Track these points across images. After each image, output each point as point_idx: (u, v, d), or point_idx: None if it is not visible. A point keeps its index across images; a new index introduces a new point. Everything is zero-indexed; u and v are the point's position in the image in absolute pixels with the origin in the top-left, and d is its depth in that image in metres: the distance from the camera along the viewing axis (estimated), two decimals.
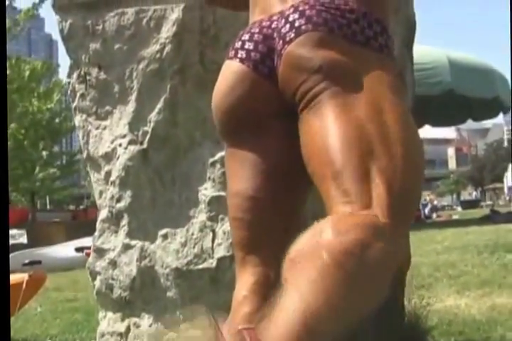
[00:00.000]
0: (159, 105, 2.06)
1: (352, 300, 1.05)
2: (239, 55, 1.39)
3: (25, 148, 21.05)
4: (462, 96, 11.32)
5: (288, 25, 1.31)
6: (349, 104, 1.24)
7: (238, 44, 1.41)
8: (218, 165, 1.99)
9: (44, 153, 22.30)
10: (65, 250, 11.52)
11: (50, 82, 22.53)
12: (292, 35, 1.30)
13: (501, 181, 53.19)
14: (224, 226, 1.98)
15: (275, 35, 1.35)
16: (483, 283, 4.36)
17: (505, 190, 49.85)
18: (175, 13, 2.01)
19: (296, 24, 1.30)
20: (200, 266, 2.01)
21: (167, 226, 2.07)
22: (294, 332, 1.01)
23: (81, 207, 36.02)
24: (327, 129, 1.24)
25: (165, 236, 2.07)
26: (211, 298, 1.98)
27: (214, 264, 1.99)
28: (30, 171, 21.82)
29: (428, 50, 11.04)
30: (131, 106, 2.11)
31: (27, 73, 20.06)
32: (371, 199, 1.16)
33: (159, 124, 2.07)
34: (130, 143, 2.11)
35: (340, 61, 1.26)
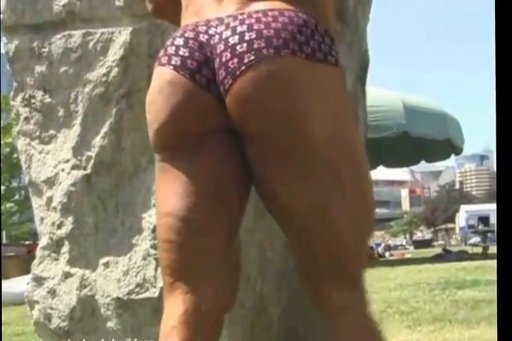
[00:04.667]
0: (104, 129, 2.01)
1: None
2: (173, 62, 1.32)
3: None
4: (416, 138, 11.65)
5: (237, 37, 1.26)
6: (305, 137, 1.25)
7: (172, 49, 1.33)
8: None
9: (2, 187, 21.87)
10: (18, 284, 11.17)
11: (9, 117, 22.21)
12: (252, 57, 1.24)
13: (453, 222, 54.03)
14: None
15: (213, 42, 1.30)
16: (434, 318, 4.36)
17: (457, 230, 50.57)
18: (122, 36, 1.98)
19: (255, 46, 1.24)
20: (142, 296, 1.94)
21: (109, 254, 2.00)
22: None
23: (37, 241, 35.22)
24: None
25: (106, 265, 2.00)
26: (153, 329, 1.91)
27: (156, 294, 1.92)
28: None
29: (383, 93, 11.31)
30: (75, 131, 2.06)
31: None
32: None
33: (104, 149, 2.02)
34: (73, 168, 2.05)
35: (302, 100, 1.25)
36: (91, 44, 2.02)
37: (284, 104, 1.24)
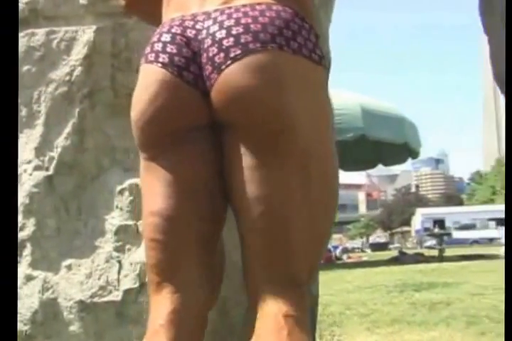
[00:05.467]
0: (67, 130, 1.98)
1: None
2: (160, 60, 1.30)
3: None
4: (373, 141, 11.68)
5: (224, 32, 1.25)
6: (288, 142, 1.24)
7: (158, 46, 1.32)
8: (126, 193, 1.92)
9: None
10: None
11: None
12: (238, 51, 1.23)
13: (409, 225, 54.82)
14: (131, 257, 1.90)
15: (200, 37, 1.28)
16: (392, 320, 4.40)
17: (413, 233, 51.29)
18: (86, 35, 1.95)
19: (242, 40, 1.23)
20: (105, 299, 1.91)
21: (71, 256, 1.97)
22: None
23: None
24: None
25: (69, 267, 1.97)
26: (116, 333, 1.89)
27: (120, 297, 1.90)
28: None
29: (340, 95, 11.30)
30: (38, 131, 2.02)
31: None
32: None
33: (66, 150, 1.98)
34: (36, 168, 2.02)
35: (287, 92, 1.24)
36: (54, 42, 1.99)
37: (268, 94, 1.23)
